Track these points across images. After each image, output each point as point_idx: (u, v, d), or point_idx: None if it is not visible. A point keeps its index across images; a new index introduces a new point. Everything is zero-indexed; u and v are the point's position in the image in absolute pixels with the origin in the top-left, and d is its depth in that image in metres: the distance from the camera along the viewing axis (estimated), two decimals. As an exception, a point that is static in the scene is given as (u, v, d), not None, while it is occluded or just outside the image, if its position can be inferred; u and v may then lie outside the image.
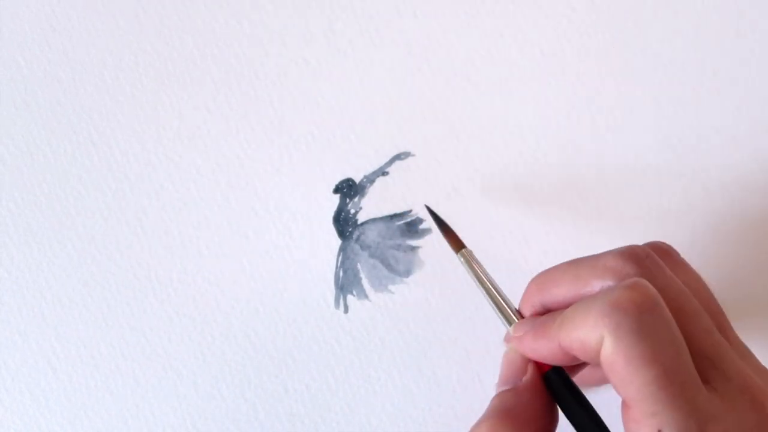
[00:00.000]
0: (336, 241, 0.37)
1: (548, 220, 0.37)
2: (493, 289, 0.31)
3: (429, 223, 0.37)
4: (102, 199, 0.37)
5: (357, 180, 0.37)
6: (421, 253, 0.36)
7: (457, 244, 0.33)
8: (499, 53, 0.37)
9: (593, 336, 0.25)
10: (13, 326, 0.37)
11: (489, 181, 0.37)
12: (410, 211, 0.37)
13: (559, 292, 0.28)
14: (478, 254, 0.35)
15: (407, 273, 0.36)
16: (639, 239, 0.38)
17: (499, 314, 0.30)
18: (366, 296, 0.36)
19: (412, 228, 0.37)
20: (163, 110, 0.37)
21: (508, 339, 0.30)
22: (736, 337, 0.28)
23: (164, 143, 0.37)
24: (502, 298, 0.30)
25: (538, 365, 0.28)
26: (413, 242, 0.37)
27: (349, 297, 0.36)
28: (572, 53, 0.37)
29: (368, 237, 0.37)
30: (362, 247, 0.37)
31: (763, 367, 0.28)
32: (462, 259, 0.32)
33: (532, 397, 0.28)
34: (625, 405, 0.25)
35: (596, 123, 0.37)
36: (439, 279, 0.36)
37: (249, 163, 0.37)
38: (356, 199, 0.37)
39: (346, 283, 0.36)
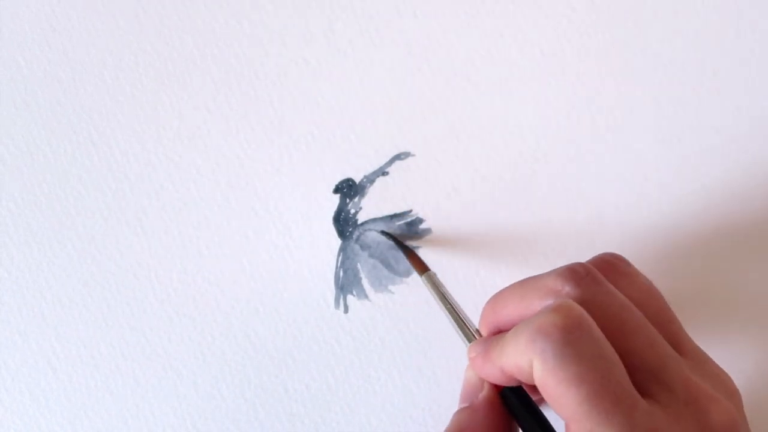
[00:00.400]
0: (336, 241, 0.37)
1: (548, 220, 0.37)
2: (454, 309, 0.32)
3: (429, 223, 0.37)
4: (102, 199, 0.37)
5: (357, 180, 0.37)
6: (421, 253, 0.36)
7: (421, 267, 0.34)
8: (499, 53, 0.37)
9: (524, 360, 0.25)
10: (13, 326, 0.37)
11: (489, 181, 0.37)
12: (410, 211, 0.37)
13: (507, 313, 0.29)
14: (478, 254, 0.35)
15: (407, 273, 0.36)
16: (639, 239, 0.38)
17: (460, 334, 0.31)
18: (366, 296, 0.36)
19: (412, 228, 0.37)
20: (163, 110, 0.37)
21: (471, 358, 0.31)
22: (691, 343, 0.28)
23: (164, 143, 0.37)
24: (463, 319, 0.31)
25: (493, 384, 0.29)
26: (413, 242, 0.37)
27: (349, 297, 0.36)
28: (572, 53, 0.37)
29: (368, 237, 0.37)
30: (362, 247, 0.37)
31: (721, 371, 0.28)
32: (425, 281, 0.33)
33: (488, 414, 0.28)
34: (566, 425, 0.25)
35: (596, 123, 0.37)
36: (439, 279, 0.36)
37: (249, 163, 0.37)
38: (356, 199, 0.37)
39: (346, 283, 0.36)
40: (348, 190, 0.37)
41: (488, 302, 0.30)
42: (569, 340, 0.25)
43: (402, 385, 0.36)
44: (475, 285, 0.36)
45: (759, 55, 0.38)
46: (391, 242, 0.36)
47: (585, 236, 0.37)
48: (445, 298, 0.32)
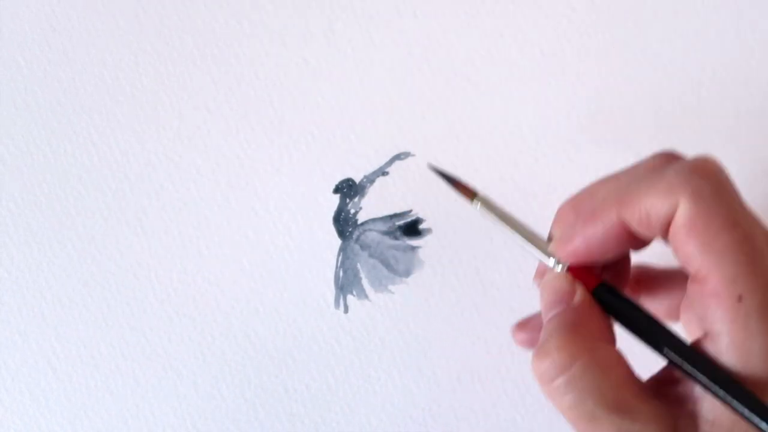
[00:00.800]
0: (336, 241, 0.37)
1: (548, 220, 0.37)
2: (518, 225, 0.29)
3: (429, 223, 0.37)
4: (102, 199, 0.37)
5: (357, 180, 0.37)
6: (421, 253, 0.36)
7: (469, 193, 0.31)
8: (499, 53, 0.37)
9: (665, 203, 0.24)
10: (13, 326, 0.37)
11: (489, 181, 0.37)
12: (410, 211, 0.37)
13: (599, 204, 0.27)
14: (478, 254, 0.35)
15: (407, 273, 0.36)
16: (639, 239, 0.38)
17: (531, 246, 0.29)
18: (366, 296, 0.36)
19: (412, 228, 0.37)
20: (163, 110, 0.37)
21: (542, 272, 0.29)
22: None
23: (164, 143, 0.37)
24: (531, 230, 0.29)
25: (585, 285, 0.27)
26: (413, 242, 0.37)
27: (349, 297, 0.36)
28: (572, 53, 0.37)
29: (368, 237, 0.37)
30: (362, 247, 0.37)
31: None
32: (479, 206, 0.30)
33: (590, 312, 0.27)
34: (697, 282, 0.24)
35: (596, 123, 0.37)
36: (439, 279, 0.36)
37: (249, 163, 0.37)
38: (356, 199, 0.37)
39: (346, 283, 0.36)
40: (348, 190, 0.37)
41: (566, 203, 0.28)
42: (723, 182, 0.24)
43: (402, 385, 0.36)
44: (475, 285, 0.36)
45: (759, 55, 0.38)
46: (391, 241, 0.36)
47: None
48: (506, 217, 0.30)
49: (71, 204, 0.37)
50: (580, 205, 0.28)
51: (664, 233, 0.25)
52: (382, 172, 0.37)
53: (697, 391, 0.24)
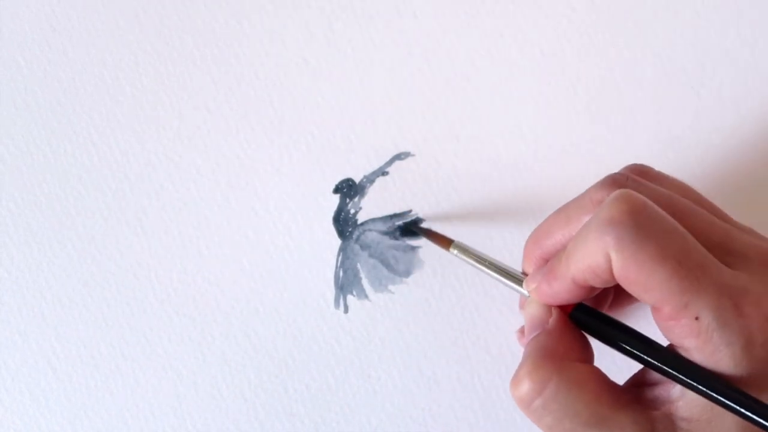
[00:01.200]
0: (336, 241, 0.37)
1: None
2: (494, 264, 0.32)
3: (429, 223, 0.37)
4: (102, 199, 0.37)
5: (357, 180, 0.37)
6: (421, 253, 0.36)
7: (445, 242, 0.34)
8: (499, 53, 0.37)
9: (600, 258, 0.25)
10: (13, 326, 0.37)
11: (489, 181, 0.37)
12: (410, 211, 0.37)
13: (554, 241, 0.29)
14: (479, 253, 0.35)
15: (407, 273, 0.36)
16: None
17: (508, 282, 0.31)
18: (366, 296, 0.36)
19: (412, 228, 0.37)
20: (163, 110, 0.37)
21: (522, 304, 0.30)
22: (736, 221, 0.29)
23: (164, 143, 0.37)
24: (506, 268, 0.31)
25: (561, 308, 0.28)
26: (413, 242, 0.37)
27: (349, 297, 0.36)
28: (572, 53, 0.37)
29: (368, 237, 0.37)
30: (362, 247, 0.37)
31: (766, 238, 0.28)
32: (456, 252, 0.33)
33: (564, 334, 0.28)
34: (655, 311, 0.25)
35: (596, 123, 0.37)
36: (439, 279, 0.36)
37: (249, 163, 0.37)
38: (356, 199, 0.37)
39: (346, 283, 0.36)
40: (348, 190, 0.37)
41: (530, 238, 0.30)
42: (640, 222, 0.24)
43: (402, 385, 0.36)
44: (476, 284, 0.36)
45: (759, 55, 0.38)
46: (391, 241, 0.36)
47: (585, 236, 0.37)
48: (482, 259, 0.32)
49: (71, 204, 0.37)
50: (542, 244, 0.30)
51: (614, 281, 0.26)
52: (382, 172, 0.37)
53: (673, 392, 0.26)
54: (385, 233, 0.37)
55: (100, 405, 0.36)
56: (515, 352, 0.36)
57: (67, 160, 0.37)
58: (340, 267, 0.37)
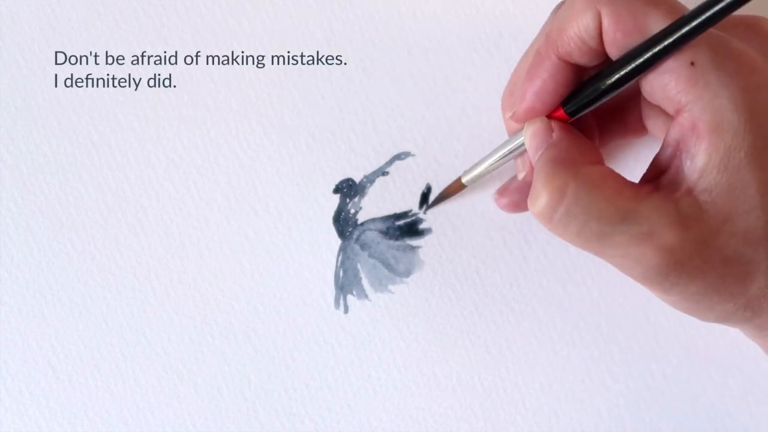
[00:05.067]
0: (336, 241, 0.37)
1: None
2: (496, 156, 0.32)
3: (429, 223, 0.37)
4: (102, 199, 0.37)
5: (357, 180, 0.37)
6: (421, 253, 0.36)
7: (456, 186, 0.35)
8: (499, 53, 0.37)
9: (588, 20, 0.25)
10: (13, 326, 0.37)
11: (489, 181, 0.37)
12: (410, 211, 0.37)
13: (537, 62, 0.28)
14: (478, 254, 0.35)
15: (407, 273, 0.36)
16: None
17: (507, 148, 0.31)
18: (366, 296, 0.36)
19: (412, 228, 0.37)
20: (163, 110, 0.37)
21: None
22: None
23: (164, 143, 0.37)
24: (505, 147, 0.32)
25: (560, 121, 0.28)
26: (413, 242, 0.37)
27: (349, 297, 0.36)
28: (572, 53, 0.37)
29: (368, 237, 0.37)
30: (362, 247, 0.37)
31: None
32: (468, 179, 0.35)
33: (570, 141, 0.28)
34: (650, 74, 0.25)
35: (596, 123, 0.37)
36: (439, 279, 0.36)
37: (249, 163, 0.37)
38: (356, 199, 0.37)
39: (346, 283, 0.36)
40: (348, 190, 0.37)
41: (504, 91, 0.31)
42: None
43: (402, 385, 0.36)
44: (476, 285, 0.36)
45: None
46: (391, 241, 0.36)
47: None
48: (487, 163, 0.33)
49: (71, 204, 0.37)
50: (516, 77, 0.30)
51: (603, 47, 0.26)
52: (382, 172, 0.37)
53: (688, 168, 0.25)
54: (385, 233, 0.37)
55: (100, 405, 0.36)
56: (515, 352, 0.36)
57: (67, 160, 0.37)
58: (340, 267, 0.37)
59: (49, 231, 0.37)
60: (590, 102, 0.27)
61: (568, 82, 0.28)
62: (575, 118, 0.28)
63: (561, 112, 0.28)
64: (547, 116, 0.29)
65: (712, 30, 0.24)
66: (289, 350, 0.36)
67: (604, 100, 0.27)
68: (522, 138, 0.30)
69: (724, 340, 0.36)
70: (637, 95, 0.29)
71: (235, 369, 0.36)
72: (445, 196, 0.36)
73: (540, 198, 0.26)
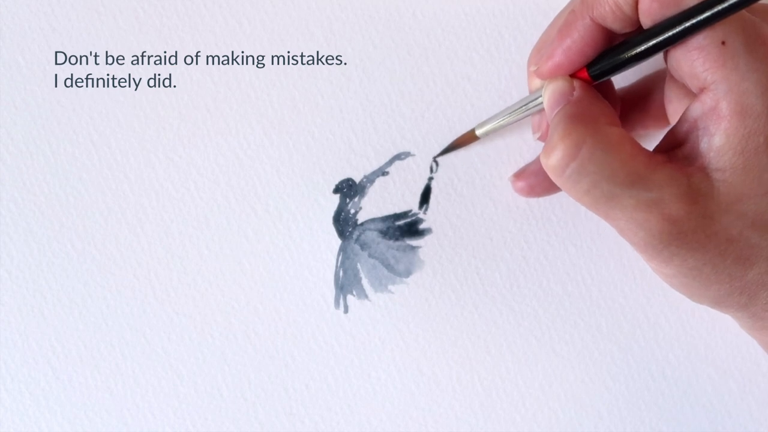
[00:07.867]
0: (336, 241, 0.37)
1: (548, 220, 0.37)
2: (513, 110, 0.33)
3: (429, 223, 0.37)
4: (102, 199, 0.37)
5: (357, 180, 0.37)
6: (421, 253, 0.36)
7: (469, 136, 0.35)
8: (499, 53, 0.37)
9: None
10: (13, 326, 0.37)
11: (489, 181, 0.37)
12: (410, 211, 0.37)
13: (571, 20, 0.28)
14: (478, 253, 0.35)
15: (407, 273, 0.36)
16: (639, 239, 0.37)
17: (527, 105, 0.32)
18: (366, 296, 0.36)
19: (412, 228, 0.37)
20: (163, 110, 0.37)
21: (536, 126, 0.31)
22: None
23: (164, 143, 0.37)
24: (523, 103, 0.32)
25: (582, 81, 0.28)
26: (413, 242, 0.37)
27: (349, 297, 0.36)
28: (572, 53, 0.37)
29: (368, 237, 0.37)
30: (362, 247, 0.37)
31: None
32: (482, 131, 0.35)
33: (591, 101, 0.28)
34: (678, 49, 0.25)
35: (596, 123, 0.37)
36: (439, 279, 0.36)
37: (249, 163, 0.37)
38: (356, 199, 0.37)
39: (346, 283, 0.36)
40: (348, 190, 0.37)
41: (534, 47, 0.31)
42: None
43: (402, 385, 0.36)
44: (476, 285, 0.36)
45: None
46: (391, 241, 0.36)
47: (585, 237, 0.37)
48: (503, 117, 0.33)
49: (71, 204, 0.37)
50: (547, 36, 0.30)
51: (636, 15, 0.26)
52: (382, 172, 0.37)
53: (703, 145, 0.25)
54: (385, 233, 0.37)
55: (100, 405, 0.36)
56: (515, 352, 0.36)
57: (67, 160, 0.37)
58: (340, 267, 0.37)
59: (49, 231, 0.37)
60: (616, 67, 0.27)
61: (597, 45, 0.28)
62: (598, 82, 0.28)
63: (585, 74, 0.28)
64: (570, 76, 0.29)
65: (745, 12, 0.24)
66: (289, 350, 0.36)
67: (630, 67, 0.27)
68: (540, 97, 0.30)
69: (724, 341, 0.36)
70: (661, 81, 0.29)
71: (235, 369, 0.36)
72: (456, 145, 0.36)
73: (555, 151, 0.26)
